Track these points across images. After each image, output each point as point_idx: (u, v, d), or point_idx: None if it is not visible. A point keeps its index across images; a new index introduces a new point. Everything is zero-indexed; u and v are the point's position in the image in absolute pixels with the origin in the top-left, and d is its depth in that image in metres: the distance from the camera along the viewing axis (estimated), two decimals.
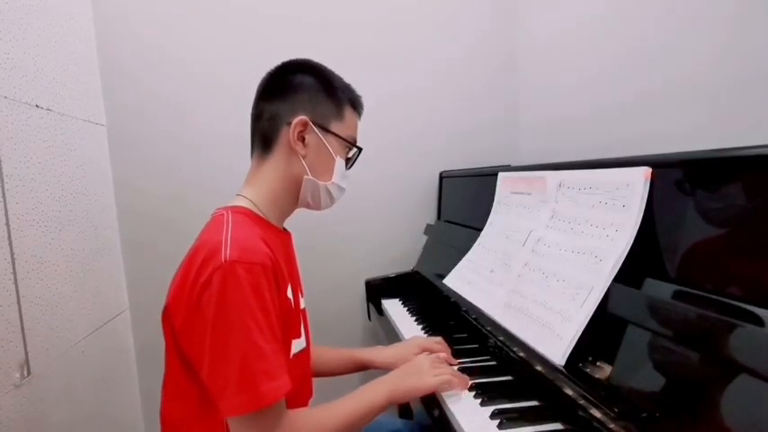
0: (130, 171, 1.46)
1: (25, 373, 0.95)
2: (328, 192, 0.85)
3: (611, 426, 0.59)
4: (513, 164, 1.65)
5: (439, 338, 1.00)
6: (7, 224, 0.94)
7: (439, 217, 1.63)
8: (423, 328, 1.19)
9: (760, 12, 0.82)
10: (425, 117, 1.64)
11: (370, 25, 1.57)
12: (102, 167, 1.40)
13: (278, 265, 0.73)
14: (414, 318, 1.28)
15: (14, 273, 0.94)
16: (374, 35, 1.58)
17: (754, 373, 0.49)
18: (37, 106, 1.07)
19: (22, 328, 0.96)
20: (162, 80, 1.46)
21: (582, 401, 0.65)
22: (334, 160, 0.83)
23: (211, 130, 1.48)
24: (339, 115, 0.84)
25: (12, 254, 0.94)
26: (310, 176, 0.82)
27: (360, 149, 0.89)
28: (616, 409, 0.60)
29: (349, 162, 0.89)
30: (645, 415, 0.57)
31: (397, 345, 1.03)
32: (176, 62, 1.46)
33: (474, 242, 1.17)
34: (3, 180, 0.94)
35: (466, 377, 0.85)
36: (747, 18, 0.85)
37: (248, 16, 1.48)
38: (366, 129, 1.52)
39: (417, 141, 1.64)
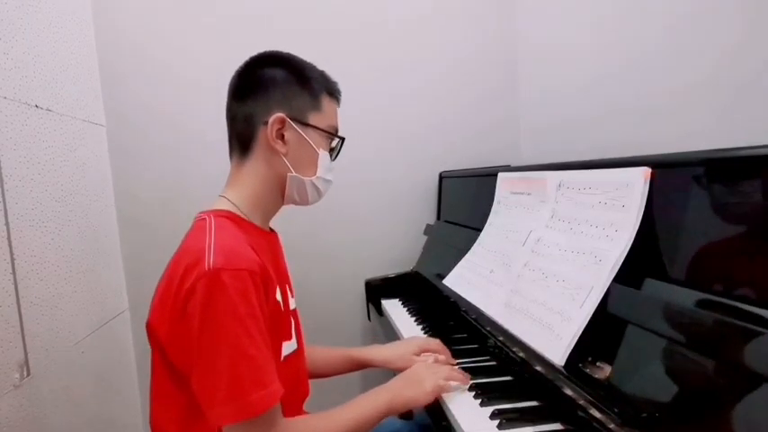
0: (130, 171, 1.46)
1: (25, 373, 0.95)
2: (315, 186, 0.83)
3: (611, 426, 0.59)
4: (514, 164, 1.65)
5: (437, 340, 0.99)
6: (7, 224, 0.94)
7: (439, 217, 1.63)
8: (422, 329, 1.19)
9: (762, 15, 0.82)
10: (427, 119, 1.64)
11: (372, 30, 1.57)
12: (102, 168, 1.40)
13: (265, 269, 0.71)
14: (413, 318, 1.28)
15: (14, 273, 0.94)
16: (376, 39, 1.58)
17: (754, 373, 0.48)
18: (37, 107, 1.07)
19: (22, 329, 0.96)
20: (162, 80, 1.46)
21: (581, 402, 0.65)
22: (317, 154, 0.81)
23: (212, 129, 1.47)
24: (316, 106, 0.81)
25: (11, 254, 0.94)
26: (294, 173, 0.80)
27: (342, 139, 0.86)
28: (616, 410, 0.59)
29: (333, 153, 0.86)
30: (644, 415, 0.57)
31: (394, 343, 1.02)
32: (176, 62, 1.46)
33: (474, 242, 1.17)
34: (3, 180, 0.94)
35: (467, 375, 0.85)
36: (749, 21, 0.85)
37: (250, 17, 1.48)
38: (368, 130, 1.54)
39: (418, 143, 1.64)
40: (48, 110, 1.12)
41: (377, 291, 1.53)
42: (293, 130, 0.79)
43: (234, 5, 1.48)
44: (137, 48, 1.43)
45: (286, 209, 0.87)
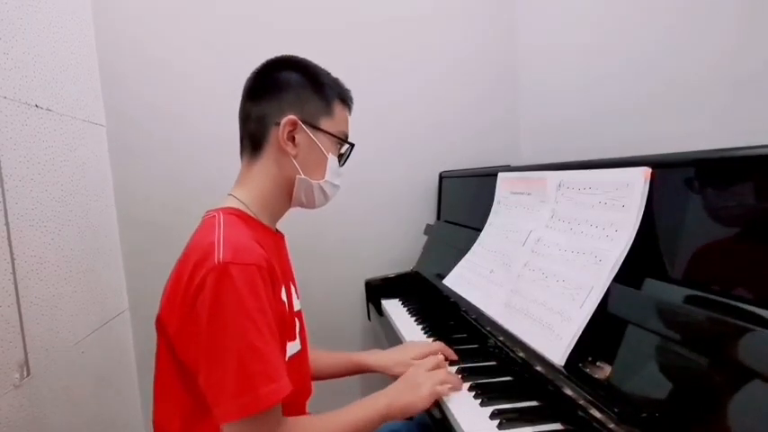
0: (130, 171, 1.46)
1: (25, 373, 0.95)
2: (322, 190, 0.83)
3: (611, 426, 0.59)
4: (514, 164, 1.65)
5: (440, 343, 0.99)
6: (7, 224, 0.94)
7: (439, 217, 1.63)
8: (422, 329, 1.19)
9: (762, 14, 0.82)
10: (426, 119, 1.64)
11: (372, 30, 1.57)
12: (102, 168, 1.40)
13: (272, 265, 0.72)
14: (413, 318, 1.28)
15: (14, 273, 0.94)
16: (376, 39, 1.58)
17: (754, 373, 0.49)
18: (37, 106, 1.07)
19: (22, 329, 0.96)
20: (162, 80, 1.46)
21: (581, 402, 0.65)
22: (326, 158, 0.82)
23: (212, 129, 1.48)
24: (328, 112, 0.82)
25: (11, 254, 0.94)
26: (303, 176, 0.80)
27: (352, 145, 0.87)
28: (616, 410, 0.59)
29: (342, 158, 0.87)
30: (644, 415, 0.57)
31: (394, 348, 1.02)
32: (176, 62, 1.46)
33: (474, 242, 1.17)
34: (3, 180, 0.94)
35: (459, 380, 0.85)
36: (749, 20, 0.85)
37: (250, 17, 1.48)
38: (368, 130, 1.53)
39: (418, 143, 1.64)
40: (48, 110, 1.12)
41: (377, 291, 1.53)
42: (304, 133, 0.80)
43: (234, 6, 1.48)
44: (137, 48, 1.43)
45: (290, 210, 0.88)
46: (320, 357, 1.00)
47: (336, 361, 1.02)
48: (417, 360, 0.93)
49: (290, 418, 0.70)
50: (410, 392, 0.80)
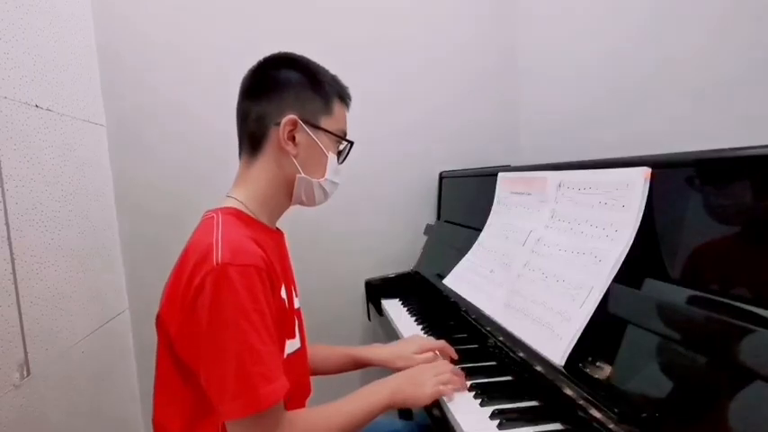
0: (130, 171, 1.46)
1: (25, 373, 0.95)
2: (322, 188, 0.83)
3: (611, 426, 0.59)
4: (514, 164, 1.65)
5: (442, 341, 0.99)
6: (7, 224, 0.94)
7: (439, 217, 1.63)
8: (422, 329, 1.19)
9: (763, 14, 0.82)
10: (426, 118, 1.64)
11: (372, 29, 1.57)
12: (102, 167, 1.40)
13: (271, 265, 0.72)
14: (413, 318, 1.28)
15: (14, 273, 0.94)
16: (375, 35, 1.58)
17: (754, 373, 0.49)
18: (37, 106, 1.07)
19: (22, 328, 0.96)
20: (162, 80, 1.46)
21: (581, 402, 0.65)
22: (326, 157, 0.82)
23: (212, 129, 1.48)
24: (328, 110, 0.81)
25: (11, 254, 0.94)
26: (303, 175, 0.80)
27: (351, 143, 0.87)
28: (616, 410, 0.59)
29: (341, 156, 0.87)
30: (645, 415, 0.57)
31: (395, 343, 1.02)
32: (176, 61, 1.46)
33: (474, 242, 1.17)
34: (2, 180, 0.94)
35: (464, 381, 0.85)
36: (749, 21, 0.85)
37: (251, 16, 1.48)
38: (367, 129, 1.54)
39: (418, 142, 1.64)
40: (48, 110, 1.12)
41: (377, 291, 1.53)
42: (304, 133, 0.79)
43: (235, 4, 1.48)
44: (137, 48, 1.43)
45: (290, 209, 0.88)
46: (319, 352, 1.00)
47: (335, 356, 1.01)
48: (418, 354, 0.94)
49: (293, 412, 0.70)
50: (413, 387, 0.81)
